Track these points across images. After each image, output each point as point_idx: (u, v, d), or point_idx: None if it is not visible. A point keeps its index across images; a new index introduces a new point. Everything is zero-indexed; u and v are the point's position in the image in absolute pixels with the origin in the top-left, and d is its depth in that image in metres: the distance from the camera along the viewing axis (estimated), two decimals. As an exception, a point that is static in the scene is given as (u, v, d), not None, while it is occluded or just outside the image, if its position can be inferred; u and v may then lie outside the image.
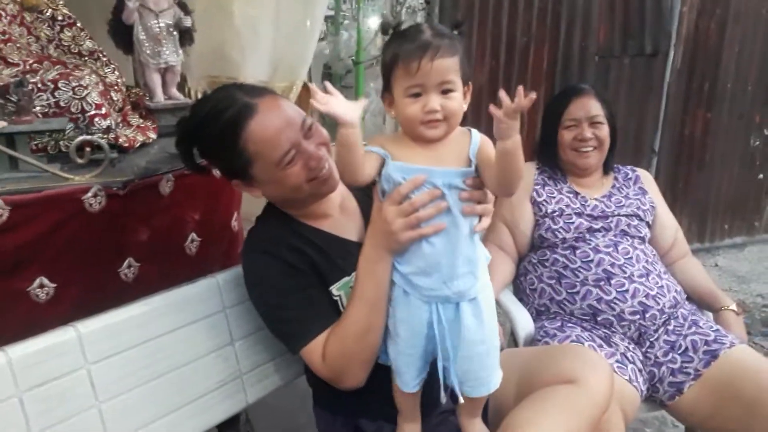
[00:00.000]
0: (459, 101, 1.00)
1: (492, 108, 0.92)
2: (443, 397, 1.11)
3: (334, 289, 1.18)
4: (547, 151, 1.86)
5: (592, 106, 1.78)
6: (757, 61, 3.53)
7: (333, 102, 0.94)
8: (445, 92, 0.99)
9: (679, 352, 1.56)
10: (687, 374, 1.52)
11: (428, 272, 1.04)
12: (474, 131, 1.05)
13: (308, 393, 1.35)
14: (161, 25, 1.55)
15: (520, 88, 0.90)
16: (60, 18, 1.62)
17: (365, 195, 1.28)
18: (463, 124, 1.06)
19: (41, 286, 1.19)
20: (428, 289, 1.04)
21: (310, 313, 1.15)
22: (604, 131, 1.78)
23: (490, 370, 1.10)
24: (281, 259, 1.14)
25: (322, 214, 1.22)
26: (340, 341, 1.11)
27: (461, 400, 1.09)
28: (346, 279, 1.18)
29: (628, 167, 1.94)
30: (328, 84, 0.97)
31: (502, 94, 0.92)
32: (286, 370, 1.36)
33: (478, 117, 1.90)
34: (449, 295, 1.04)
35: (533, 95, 0.90)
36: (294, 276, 1.14)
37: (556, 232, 1.73)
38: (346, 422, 1.25)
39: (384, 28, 0.98)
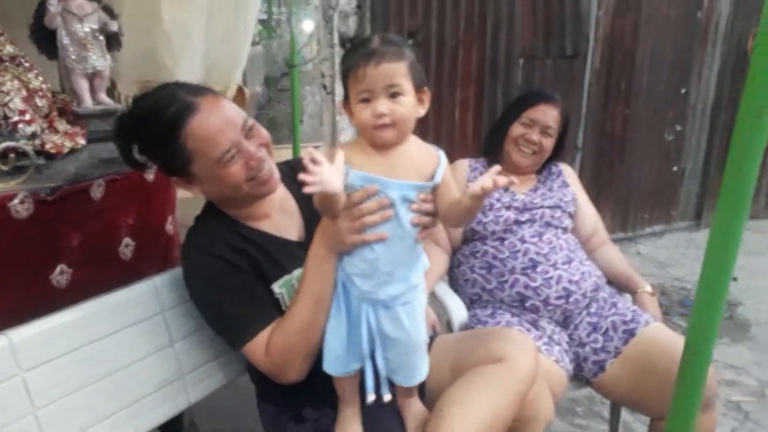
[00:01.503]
0: (408, 105, 1.03)
1: (485, 181, 0.99)
2: (370, 396, 1.14)
3: (276, 287, 1.20)
4: (495, 139, 1.95)
5: (551, 117, 1.87)
6: (668, 60, 3.77)
7: (326, 177, 0.92)
8: (394, 96, 1.02)
9: (600, 332, 1.66)
10: (608, 353, 1.63)
11: (367, 275, 1.08)
12: (442, 155, 1.09)
13: (252, 392, 1.36)
14: (86, 29, 1.53)
15: (512, 178, 1.00)
16: (-22, 24, 1.57)
17: (305, 198, 1.31)
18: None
19: (-32, 295, 1.16)
20: (364, 291, 1.09)
21: (252, 310, 1.17)
22: (549, 143, 1.88)
23: (420, 362, 1.17)
24: (221, 258, 1.15)
25: (261, 214, 1.24)
26: (283, 336, 1.14)
27: (386, 398, 1.15)
28: (287, 277, 1.21)
29: (551, 163, 2.05)
30: (313, 152, 0.96)
31: (494, 171, 1.00)
32: (228, 368, 1.37)
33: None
34: (384, 299, 1.09)
35: (513, 179, 1.00)
36: (235, 274, 1.16)
37: (486, 225, 1.81)
38: (291, 413, 1.27)
39: (342, 42, 1.01)
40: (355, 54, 1.03)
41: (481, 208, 1.09)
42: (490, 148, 1.99)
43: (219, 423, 1.87)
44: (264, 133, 1.19)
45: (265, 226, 1.24)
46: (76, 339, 1.13)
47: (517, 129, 1.90)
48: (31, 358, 1.06)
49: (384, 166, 1.05)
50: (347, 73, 1.05)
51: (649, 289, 1.83)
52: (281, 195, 1.28)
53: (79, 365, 1.13)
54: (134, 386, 1.21)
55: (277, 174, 1.20)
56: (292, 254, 1.22)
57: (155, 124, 1.12)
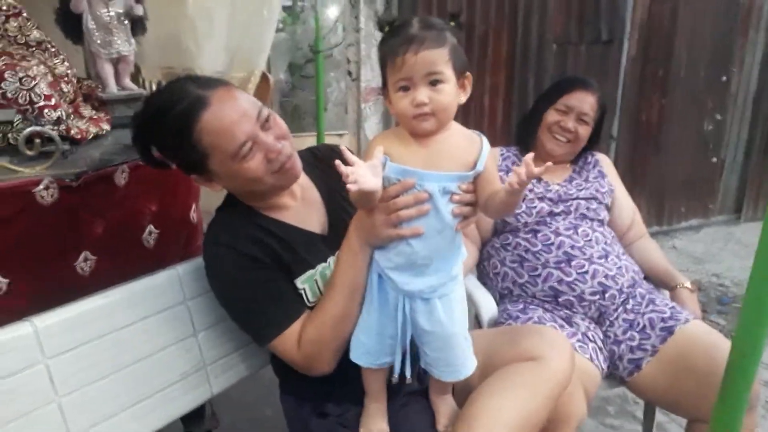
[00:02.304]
0: (450, 93, 0.99)
1: (520, 173, 0.95)
2: (409, 379, 1.13)
3: (299, 282, 1.17)
4: (529, 127, 1.89)
5: (588, 104, 1.80)
6: (708, 48, 3.63)
7: (360, 176, 0.90)
8: (434, 84, 0.98)
9: (637, 329, 1.60)
10: (645, 351, 1.57)
11: (403, 268, 1.06)
12: (485, 141, 1.05)
13: (274, 385, 1.34)
14: (111, 14, 1.51)
15: (548, 164, 0.99)
16: (5, 8, 1.56)
17: (328, 187, 1.27)
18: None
19: (-7, 281, 1.16)
20: (401, 283, 1.06)
21: (279, 305, 1.14)
22: (585, 131, 1.81)
23: (463, 358, 1.12)
24: (243, 252, 1.12)
25: (282, 205, 1.21)
26: (317, 328, 1.12)
27: (408, 380, 1.13)
28: (310, 272, 1.18)
29: (587, 152, 1.98)
30: (345, 151, 0.95)
31: (528, 159, 0.95)
32: (251, 359, 1.35)
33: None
34: (422, 290, 1.05)
35: (549, 164, 0.98)
36: (258, 269, 1.13)
37: (518, 217, 1.75)
38: (313, 407, 1.25)
39: (380, 25, 0.98)
40: (394, 39, 0.99)
41: (519, 202, 1.04)
42: (523, 136, 1.92)
43: (240, 414, 1.86)
44: (282, 124, 1.15)
45: (288, 217, 1.20)
46: (99, 327, 1.12)
47: (552, 115, 1.83)
48: (55, 345, 1.05)
49: (423, 156, 1.01)
50: (385, 60, 1.00)
51: (688, 284, 1.76)
52: (303, 185, 1.25)
53: (102, 353, 1.12)
54: (157, 376, 1.19)
55: (299, 162, 1.16)
56: (315, 248, 1.19)
57: (167, 121, 1.08)
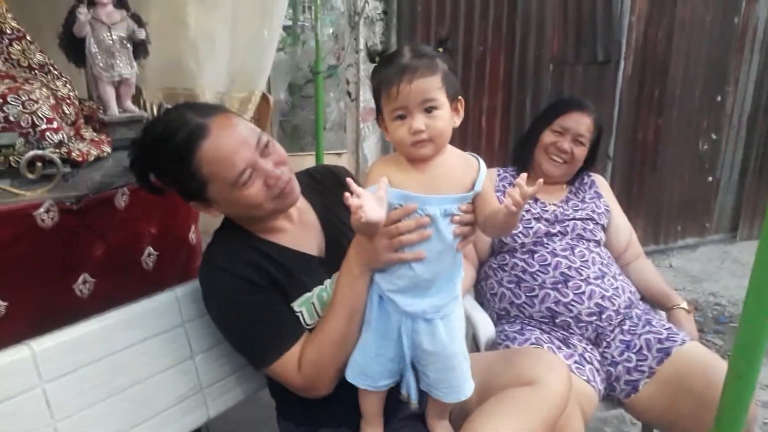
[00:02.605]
0: (444, 118, 1.01)
1: (514, 195, 0.96)
2: (414, 403, 1.14)
3: (296, 305, 1.17)
4: (525, 148, 1.91)
5: (584, 125, 1.83)
6: (702, 68, 3.66)
7: (368, 208, 0.93)
8: (429, 111, 1.00)
9: (634, 351, 1.60)
10: (642, 372, 1.57)
11: (405, 291, 1.07)
12: (482, 162, 1.07)
13: (271, 405, 1.34)
14: (114, 37, 1.53)
15: (540, 181, 0.99)
16: (8, 31, 1.57)
17: (326, 209, 1.28)
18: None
19: (-8, 304, 1.16)
20: (404, 305, 1.07)
21: (276, 330, 1.14)
22: (581, 152, 1.83)
23: (462, 379, 1.13)
24: (240, 276, 1.12)
25: (279, 228, 1.21)
26: (317, 351, 1.12)
27: (413, 406, 1.13)
28: (307, 295, 1.18)
29: (584, 173, 1.99)
30: (351, 182, 0.97)
31: (521, 180, 0.97)
32: (248, 382, 1.35)
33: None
34: (425, 310, 1.06)
35: (541, 182, 0.99)
36: (255, 292, 1.13)
37: (516, 237, 1.76)
38: (310, 431, 1.24)
39: (370, 56, 0.99)
40: (386, 69, 1.01)
41: (517, 222, 1.06)
42: (520, 157, 1.94)
43: (238, 436, 1.86)
44: (281, 150, 1.15)
45: (284, 240, 1.21)
46: (97, 350, 1.12)
47: (548, 137, 1.85)
48: (52, 369, 1.05)
49: (423, 181, 1.03)
50: (379, 90, 1.03)
51: (685, 305, 1.77)
52: (301, 207, 1.25)
53: (100, 377, 1.11)
54: (154, 399, 1.19)
55: (297, 187, 1.17)
56: (311, 271, 1.19)
57: (166, 150, 1.08)
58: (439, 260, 1.05)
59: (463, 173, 1.05)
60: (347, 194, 0.93)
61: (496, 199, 1.07)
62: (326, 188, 1.31)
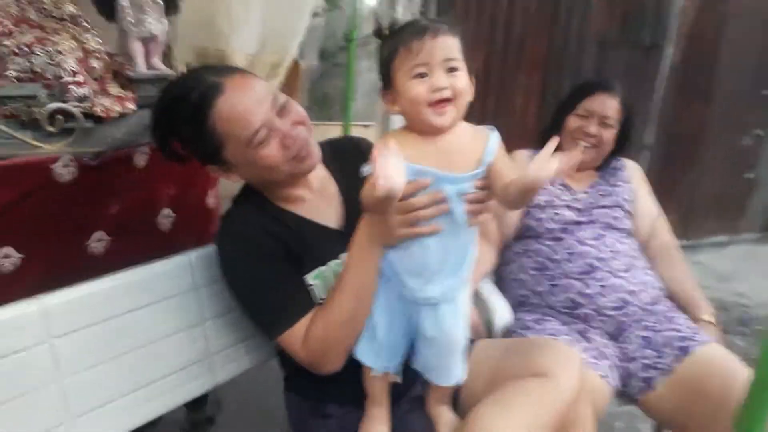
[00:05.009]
0: (466, 81, 0.98)
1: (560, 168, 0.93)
2: (399, 378, 1.13)
3: (309, 278, 1.15)
4: (551, 134, 1.83)
5: (610, 107, 1.75)
6: (753, 60, 3.51)
7: (391, 173, 0.86)
8: (451, 71, 0.96)
9: (652, 347, 1.55)
10: (658, 369, 1.51)
11: (416, 273, 1.03)
12: (493, 134, 1.02)
13: (280, 375, 1.33)
14: (145, -8, 1.50)
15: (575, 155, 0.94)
16: (41, -20, 1.56)
17: (347, 181, 1.25)
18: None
19: (6, 256, 1.16)
20: (413, 289, 1.04)
21: (289, 299, 1.13)
22: (609, 134, 1.75)
23: (455, 365, 1.11)
24: (257, 244, 1.11)
25: (299, 197, 1.19)
26: (323, 327, 1.10)
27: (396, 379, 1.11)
28: (321, 268, 1.16)
29: (614, 158, 1.91)
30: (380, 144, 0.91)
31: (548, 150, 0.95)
32: (256, 352, 1.34)
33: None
34: (432, 296, 1.04)
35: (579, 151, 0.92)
36: (271, 261, 1.12)
37: (543, 222, 1.71)
38: (315, 407, 1.24)
39: (378, 32, 0.95)
40: (405, 32, 0.97)
41: (534, 194, 1.00)
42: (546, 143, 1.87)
43: (245, 403, 1.87)
44: (299, 110, 1.13)
45: (303, 209, 1.19)
46: (108, 309, 1.12)
47: (573, 122, 1.77)
48: (61, 325, 1.05)
49: (436, 156, 0.98)
50: (394, 52, 0.97)
51: (711, 317, 1.68)
52: (320, 177, 1.23)
53: (108, 336, 1.11)
54: (161, 362, 1.19)
55: (317, 150, 1.14)
56: (328, 243, 1.17)
57: (182, 109, 1.08)
58: (451, 239, 1.01)
59: (476, 148, 1.00)
60: (369, 163, 0.89)
61: (513, 170, 1.01)
62: (348, 159, 1.27)
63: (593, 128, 1.74)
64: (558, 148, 1.79)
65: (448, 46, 0.95)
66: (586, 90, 1.81)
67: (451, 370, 1.11)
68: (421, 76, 0.95)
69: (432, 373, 1.12)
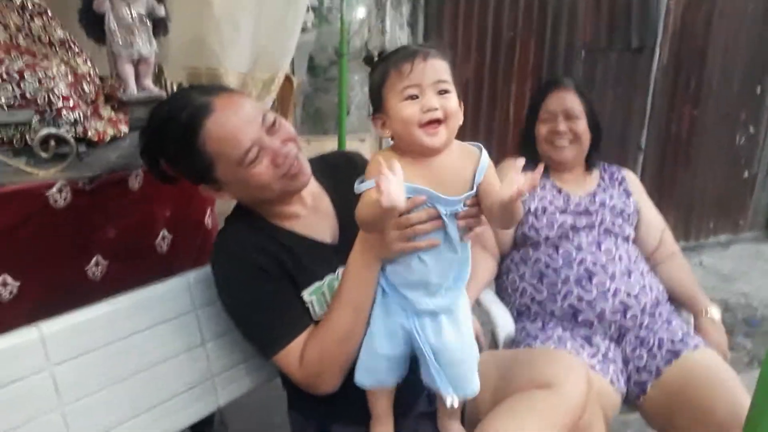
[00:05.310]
0: (456, 103, 0.99)
1: (519, 188, 0.92)
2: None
3: (306, 294, 1.14)
4: (528, 145, 1.84)
5: (569, 100, 1.76)
6: (742, 58, 3.52)
7: (393, 189, 0.87)
8: (442, 93, 0.97)
9: (646, 348, 1.54)
10: (649, 372, 1.51)
11: (415, 287, 1.03)
12: (484, 153, 1.02)
13: (284, 393, 1.31)
14: (134, 14, 1.50)
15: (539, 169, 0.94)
16: (30, 6, 1.56)
17: (340, 195, 1.24)
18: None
19: (4, 284, 1.15)
20: (413, 302, 1.03)
21: (284, 318, 1.12)
22: (581, 125, 1.75)
23: (466, 378, 1.09)
24: (251, 264, 1.10)
25: (292, 213, 1.18)
26: (319, 345, 1.09)
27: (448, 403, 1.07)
28: (317, 284, 1.15)
29: (615, 167, 1.91)
30: (382, 163, 0.91)
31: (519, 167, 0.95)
32: (258, 372, 1.33)
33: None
34: (433, 310, 1.03)
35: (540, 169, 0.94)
36: (265, 281, 1.11)
37: (539, 231, 1.71)
38: (319, 426, 1.22)
39: (367, 60, 0.96)
40: (396, 56, 0.99)
41: (519, 212, 1.00)
42: (527, 157, 1.86)
43: (249, 422, 1.85)
44: (289, 127, 1.13)
45: (297, 226, 1.18)
46: (107, 334, 1.10)
47: (542, 128, 1.79)
48: (61, 352, 1.04)
49: (430, 177, 0.99)
50: (384, 77, 0.99)
51: (715, 313, 1.67)
52: (313, 193, 1.22)
53: (109, 361, 1.10)
54: (164, 385, 1.18)
55: (307, 167, 1.14)
56: (323, 258, 1.16)
57: (171, 130, 1.08)
58: (449, 256, 1.02)
59: (467, 168, 1.01)
60: (383, 170, 0.88)
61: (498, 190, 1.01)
62: (341, 174, 1.27)
63: (562, 126, 1.75)
64: (541, 155, 1.81)
65: (439, 68, 0.97)
66: (540, 95, 1.83)
67: (462, 383, 1.08)
68: (412, 98, 0.96)
69: (442, 386, 1.08)
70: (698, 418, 1.36)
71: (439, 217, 0.99)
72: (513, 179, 0.93)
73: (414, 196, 0.98)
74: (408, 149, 0.99)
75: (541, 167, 0.94)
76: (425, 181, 0.98)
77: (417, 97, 0.96)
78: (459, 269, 1.05)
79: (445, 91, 0.97)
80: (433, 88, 0.96)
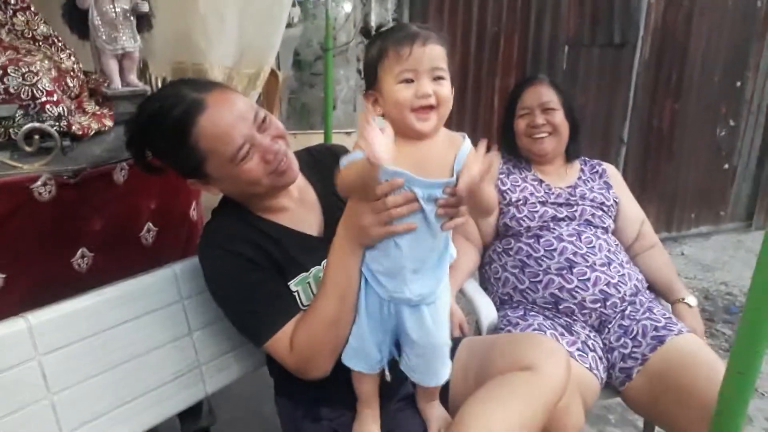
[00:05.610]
0: (450, 91, 1.00)
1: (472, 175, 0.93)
2: (388, 376, 1.13)
3: (292, 285, 1.16)
4: (508, 140, 1.88)
5: (544, 94, 1.80)
6: (722, 53, 3.58)
7: (377, 143, 0.87)
8: (437, 79, 0.98)
9: (630, 336, 1.57)
10: (635, 359, 1.53)
11: (393, 274, 1.04)
12: (466, 141, 1.03)
13: (272, 381, 1.34)
14: (117, 10, 1.50)
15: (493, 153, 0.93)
16: (13, 2, 1.56)
17: (326, 188, 1.26)
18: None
19: (-10, 276, 1.16)
20: (390, 290, 1.05)
21: (273, 306, 1.13)
22: (558, 117, 1.80)
23: (440, 365, 1.12)
24: (238, 255, 1.12)
25: (279, 207, 1.20)
26: (308, 331, 1.10)
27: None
28: (303, 274, 1.17)
29: (595, 161, 1.95)
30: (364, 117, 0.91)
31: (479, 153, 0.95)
32: (246, 360, 1.35)
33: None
34: (410, 298, 1.04)
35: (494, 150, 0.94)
36: (253, 270, 1.12)
37: (521, 221, 1.74)
38: (308, 411, 1.24)
39: (365, 32, 0.96)
40: (395, 34, 0.99)
41: (490, 200, 1.02)
42: (511, 152, 1.90)
43: (238, 410, 1.87)
44: (278, 124, 1.14)
45: (283, 219, 1.20)
46: (94, 324, 1.12)
47: (520, 124, 1.84)
48: (48, 342, 1.05)
49: (412, 160, 0.99)
50: (383, 53, 0.99)
51: (690, 300, 1.71)
52: (300, 186, 1.24)
53: (96, 351, 1.12)
54: (151, 375, 1.19)
55: (295, 163, 1.16)
56: (310, 250, 1.18)
57: (163, 126, 1.08)
58: (425, 242, 1.03)
59: (447, 155, 1.01)
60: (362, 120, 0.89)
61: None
62: (325, 167, 1.29)
63: (539, 119, 1.79)
64: (521, 149, 1.84)
65: (436, 54, 0.97)
66: (515, 92, 1.88)
67: (437, 371, 1.12)
68: (408, 81, 0.97)
69: (416, 375, 1.13)
70: (681, 400, 1.39)
71: (416, 200, 0.99)
72: (471, 166, 0.94)
73: (392, 179, 0.98)
74: (397, 130, 1.00)
75: (495, 150, 0.94)
76: (406, 163, 0.99)
77: (412, 81, 0.97)
78: (438, 258, 1.06)
79: (440, 78, 0.98)
80: (429, 74, 0.97)
